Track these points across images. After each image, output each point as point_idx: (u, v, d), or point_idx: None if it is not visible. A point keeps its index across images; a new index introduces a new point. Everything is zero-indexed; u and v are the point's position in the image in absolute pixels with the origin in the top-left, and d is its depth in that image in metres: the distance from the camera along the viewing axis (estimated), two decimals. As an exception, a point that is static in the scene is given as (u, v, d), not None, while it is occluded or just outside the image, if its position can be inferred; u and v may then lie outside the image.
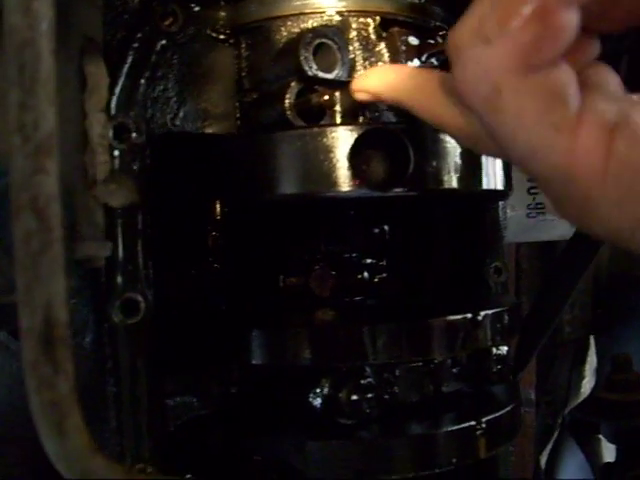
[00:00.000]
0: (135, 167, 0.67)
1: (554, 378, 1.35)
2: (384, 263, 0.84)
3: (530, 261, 1.27)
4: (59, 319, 0.35)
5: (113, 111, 0.67)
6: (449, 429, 0.70)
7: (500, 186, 0.74)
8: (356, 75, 0.70)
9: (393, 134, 0.64)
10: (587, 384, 1.42)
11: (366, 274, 0.83)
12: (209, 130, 0.73)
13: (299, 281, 0.78)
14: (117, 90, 0.68)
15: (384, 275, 0.84)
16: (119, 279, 0.67)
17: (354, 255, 0.82)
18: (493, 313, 0.72)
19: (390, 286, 0.84)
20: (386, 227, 0.85)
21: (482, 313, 0.70)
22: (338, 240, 0.81)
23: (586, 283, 1.34)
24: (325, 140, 0.64)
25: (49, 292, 0.34)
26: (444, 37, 0.75)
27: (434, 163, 0.66)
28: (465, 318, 0.69)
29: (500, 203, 0.92)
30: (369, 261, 0.84)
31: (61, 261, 0.35)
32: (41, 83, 0.34)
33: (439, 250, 0.91)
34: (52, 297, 0.35)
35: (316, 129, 0.65)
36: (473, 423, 0.71)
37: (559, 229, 1.09)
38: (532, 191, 1.05)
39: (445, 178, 0.68)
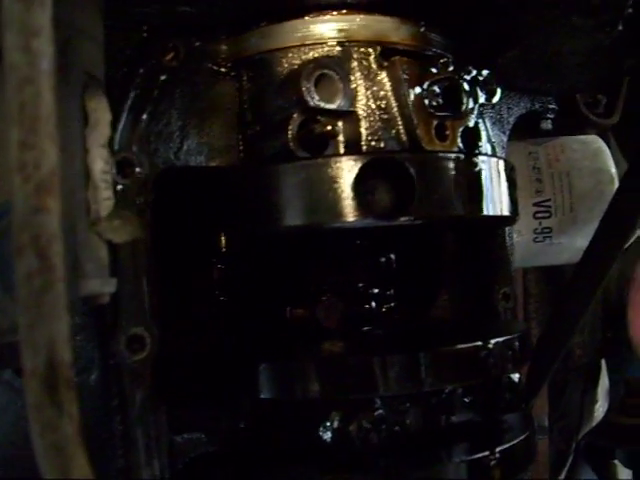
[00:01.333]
0: (139, 202, 0.67)
1: (566, 403, 1.34)
2: (391, 292, 0.84)
3: (538, 286, 1.27)
4: (63, 360, 0.34)
5: (116, 146, 0.67)
6: (463, 459, 0.69)
7: (506, 212, 0.74)
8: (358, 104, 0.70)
9: (397, 163, 0.64)
10: (600, 408, 1.40)
11: (374, 304, 0.82)
12: (212, 163, 0.73)
13: (306, 312, 0.78)
14: (120, 126, 0.68)
15: (392, 304, 0.83)
16: (124, 315, 0.67)
17: (361, 285, 0.82)
18: (503, 341, 0.71)
19: (398, 315, 0.83)
20: (392, 256, 0.84)
21: (492, 341, 0.69)
22: (344, 270, 0.81)
23: (595, 306, 1.32)
24: (329, 171, 0.64)
25: (52, 332, 0.34)
26: (445, 65, 0.75)
27: (439, 191, 0.66)
28: (476, 346, 0.68)
29: (507, 229, 0.91)
30: (376, 291, 0.83)
31: (64, 300, 0.34)
32: (42, 121, 0.33)
33: (447, 277, 0.90)
34: (55, 337, 0.34)
35: (320, 160, 0.65)
36: (487, 453, 0.70)
37: (566, 253, 1.08)
38: (538, 215, 1.04)
39: (450, 205, 0.67)
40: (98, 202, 0.51)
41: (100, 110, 0.52)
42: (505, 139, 0.98)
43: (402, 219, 0.64)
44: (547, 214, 1.05)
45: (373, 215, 0.64)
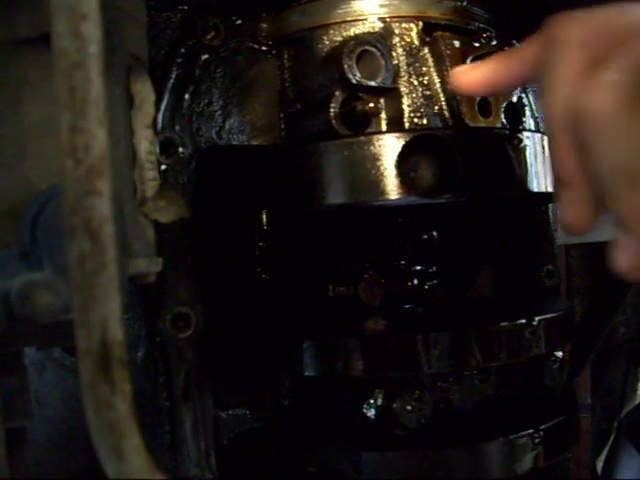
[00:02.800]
0: (182, 181, 0.68)
1: (609, 381, 1.32)
2: (434, 269, 0.84)
3: (581, 262, 1.25)
4: (116, 339, 0.35)
5: (159, 126, 0.68)
6: (507, 438, 0.69)
7: (551, 188, 0.73)
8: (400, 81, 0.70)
9: (440, 140, 0.63)
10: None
11: (416, 281, 0.82)
12: (254, 142, 0.73)
13: (348, 290, 0.78)
14: (162, 106, 0.68)
15: (434, 282, 0.83)
16: (169, 294, 0.68)
17: (403, 262, 0.82)
18: (548, 318, 0.70)
19: (441, 292, 0.83)
20: (435, 233, 0.84)
21: (537, 319, 0.69)
22: (386, 248, 0.81)
23: (638, 283, 1.31)
24: (372, 148, 0.63)
25: (105, 312, 0.34)
26: (488, 39, 0.74)
27: (483, 168, 0.65)
28: (520, 324, 0.68)
29: (551, 205, 0.90)
30: (418, 268, 0.83)
31: (116, 281, 0.35)
32: (91, 105, 0.34)
33: (489, 254, 0.90)
34: (108, 317, 0.35)
35: (362, 138, 0.64)
36: (531, 431, 0.70)
37: (610, 230, 1.06)
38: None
39: (494, 183, 0.66)
40: (144, 182, 0.52)
41: (145, 91, 0.52)
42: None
43: (445, 197, 0.64)
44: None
45: (416, 193, 0.63)
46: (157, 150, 0.66)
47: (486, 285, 0.91)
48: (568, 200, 0.56)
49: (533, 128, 0.85)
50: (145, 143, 0.52)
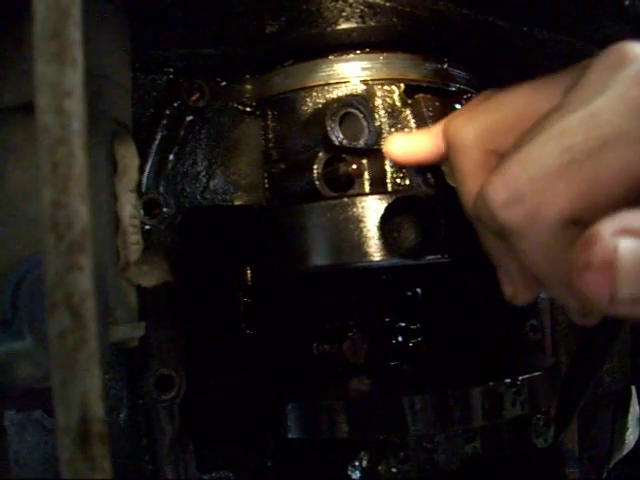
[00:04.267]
0: (166, 241, 0.68)
1: (596, 431, 1.31)
2: (418, 326, 0.83)
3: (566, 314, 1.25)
4: (96, 415, 0.34)
5: (143, 188, 0.68)
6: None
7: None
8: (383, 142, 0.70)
9: (423, 201, 0.64)
10: (631, 435, 1.37)
11: (400, 338, 0.82)
12: (238, 202, 0.73)
13: (333, 349, 0.78)
14: (147, 167, 0.69)
15: (419, 339, 0.83)
16: (153, 356, 0.67)
17: (387, 320, 0.81)
18: (532, 377, 0.70)
19: (425, 349, 0.83)
20: (419, 290, 0.84)
21: (521, 378, 0.69)
22: (370, 305, 0.81)
23: (624, 332, 1.30)
24: (355, 210, 0.64)
25: (85, 389, 0.34)
26: (468, 100, 0.75)
27: (465, 228, 0.66)
28: (504, 384, 0.68)
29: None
30: (403, 325, 0.83)
31: (97, 356, 0.34)
32: (74, 181, 0.34)
33: (473, 310, 0.89)
34: (88, 394, 0.34)
35: (346, 199, 0.65)
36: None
37: None
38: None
39: (478, 242, 0.67)
40: (127, 247, 0.52)
41: (129, 156, 0.53)
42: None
43: (429, 258, 0.64)
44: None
45: (399, 254, 0.64)
46: (141, 212, 0.67)
47: (470, 340, 0.90)
48: (502, 276, 0.57)
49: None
50: (128, 207, 0.52)
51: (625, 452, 1.33)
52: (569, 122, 0.45)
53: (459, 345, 0.89)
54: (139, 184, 0.65)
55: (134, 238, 0.53)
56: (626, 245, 0.39)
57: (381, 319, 0.81)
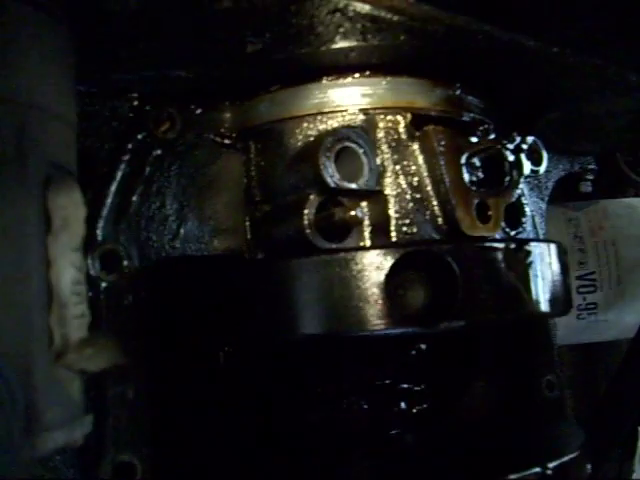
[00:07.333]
0: (127, 302, 0.57)
1: (604, 473, 1.26)
2: (423, 388, 0.73)
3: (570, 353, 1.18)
4: None
5: (99, 237, 0.57)
6: None
7: (561, 306, 0.63)
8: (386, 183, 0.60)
9: (437, 257, 0.53)
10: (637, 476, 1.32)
11: (403, 405, 0.71)
12: (215, 251, 0.62)
13: (325, 418, 0.67)
14: (104, 212, 0.58)
15: (424, 406, 0.72)
16: (110, 440, 0.56)
17: (388, 382, 0.71)
18: (563, 462, 0.59)
19: (432, 417, 0.73)
20: (423, 346, 0.73)
21: (552, 465, 0.58)
22: (368, 366, 0.70)
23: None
24: (355, 267, 0.53)
25: None
26: (485, 132, 0.64)
27: (487, 289, 0.55)
28: (535, 474, 0.57)
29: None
30: (405, 387, 0.72)
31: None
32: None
33: (485, 369, 0.79)
34: None
35: (342, 254, 0.54)
36: None
37: (613, 330, 0.99)
38: (582, 290, 0.94)
39: (500, 306, 0.56)
40: (66, 324, 0.40)
41: (70, 206, 0.41)
42: (544, 206, 0.88)
43: (442, 325, 0.53)
44: (592, 288, 0.94)
45: (407, 322, 0.53)
46: (97, 266, 0.56)
47: (481, 403, 0.81)
48: None
49: (531, 230, 0.76)
50: (70, 272, 0.41)
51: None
52: None
53: (467, 404, 0.79)
54: (92, 238, 0.54)
55: (78, 310, 0.42)
56: None
57: (381, 382, 0.70)
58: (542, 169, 0.70)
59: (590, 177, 1.01)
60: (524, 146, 0.66)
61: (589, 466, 0.75)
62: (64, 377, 0.41)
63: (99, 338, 0.42)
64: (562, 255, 0.65)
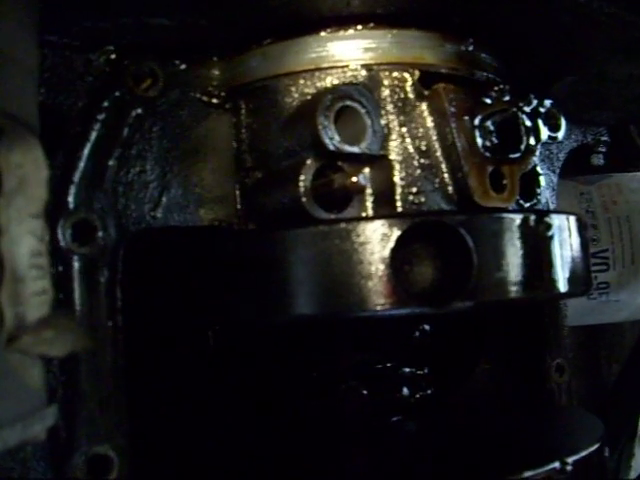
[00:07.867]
0: (103, 278, 0.51)
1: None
2: (425, 372, 0.69)
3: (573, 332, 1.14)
4: None
5: (71, 205, 0.51)
6: None
7: (582, 285, 0.57)
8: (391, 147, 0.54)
9: (449, 229, 0.47)
10: (638, 461, 1.31)
11: (405, 390, 0.67)
12: (201, 222, 0.57)
13: (321, 405, 0.64)
14: (76, 176, 0.52)
15: (428, 392, 0.67)
16: (82, 431, 0.50)
17: (389, 365, 0.67)
18: (582, 457, 0.54)
19: (436, 404, 0.68)
20: (427, 327, 0.69)
21: (570, 460, 0.52)
22: (369, 348, 0.66)
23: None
24: (357, 239, 0.47)
25: None
26: (500, 93, 0.59)
27: (503, 266, 0.49)
28: (553, 470, 0.51)
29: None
30: (407, 370, 0.68)
31: None
32: None
33: (492, 352, 0.75)
34: None
35: (343, 225, 0.48)
36: None
37: (625, 311, 0.94)
38: (594, 269, 0.89)
39: (516, 284, 0.51)
40: (23, 302, 0.35)
41: (28, 165, 0.35)
42: (555, 179, 0.82)
43: (455, 305, 0.48)
44: (604, 267, 0.89)
45: (415, 301, 0.47)
46: (68, 236, 0.50)
47: (485, 385, 0.76)
48: None
49: (545, 203, 0.71)
50: (27, 242, 0.35)
51: (631, 478, 1.23)
52: None
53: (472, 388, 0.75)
54: (64, 206, 0.48)
55: (37, 285, 0.36)
56: None
57: (381, 365, 0.67)
58: (560, 135, 0.65)
59: (602, 149, 0.96)
60: (541, 109, 0.60)
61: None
62: (18, 364, 0.35)
63: (62, 318, 0.36)
64: (582, 229, 0.59)
